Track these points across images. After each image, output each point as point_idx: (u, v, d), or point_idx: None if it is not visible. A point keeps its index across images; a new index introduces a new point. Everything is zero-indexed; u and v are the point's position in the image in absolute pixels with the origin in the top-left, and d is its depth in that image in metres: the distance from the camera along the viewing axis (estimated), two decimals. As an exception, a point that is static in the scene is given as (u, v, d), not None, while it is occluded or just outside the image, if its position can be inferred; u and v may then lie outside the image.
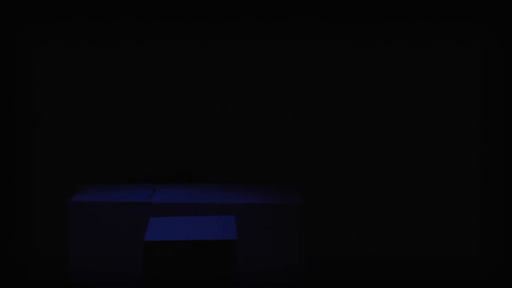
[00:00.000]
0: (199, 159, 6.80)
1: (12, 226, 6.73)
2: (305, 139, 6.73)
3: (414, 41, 6.54)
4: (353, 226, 6.70)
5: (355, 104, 6.67)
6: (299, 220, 6.06)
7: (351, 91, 6.65)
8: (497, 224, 6.52)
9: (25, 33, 6.55)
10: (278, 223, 6.08)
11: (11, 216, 6.72)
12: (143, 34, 6.65)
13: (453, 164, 6.63)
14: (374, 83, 6.60)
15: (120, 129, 6.79)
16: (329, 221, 6.71)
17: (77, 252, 6.16)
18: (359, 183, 6.69)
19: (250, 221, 6.10)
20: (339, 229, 6.71)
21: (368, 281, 6.16)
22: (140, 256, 6.14)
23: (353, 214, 6.69)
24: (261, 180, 6.80)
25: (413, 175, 6.67)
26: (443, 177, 6.65)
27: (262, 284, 6.09)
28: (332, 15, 6.50)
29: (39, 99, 6.70)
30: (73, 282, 6.14)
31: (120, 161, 6.82)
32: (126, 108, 6.78)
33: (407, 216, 6.68)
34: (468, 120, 6.60)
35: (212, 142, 6.78)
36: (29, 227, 6.80)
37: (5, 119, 6.63)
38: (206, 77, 6.74)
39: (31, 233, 6.80)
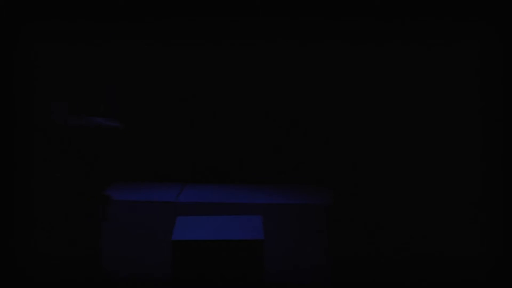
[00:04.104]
0: (228, 159, 6.80)
1: (12, 224, 6.72)
2: (335, 140, 6.73)
3: (414, 39, 6.53)
4: (377, 226, 6.69)
5: (369, 105, 6.67)
6: (327, 220, 6.05)
7: (350, 92, 6.66)
8: (497, 224, 6.49)
9: (28, 30, 6.55)
10: (305, 223, 6.07)
11: (11, 215, 6.71)
12: (149, 33, 6.66)
13: (453, 164, 6.61)
14: (376, 83, 6.60)
15: (147, 128, 6.81)
16: (357, 221, 6.70)
17: (106, 251, 6.19)
18: (370, 181, 6.69)
19: (277, 221, 6.09)
20: (365, 229, 6.70)
21: (370, 281, 6.16)
22: (167, 255, 6.16)
23: (372, 214, 6.68)
24: (291, 180, 6.79)
25: (413, 175, 6.65)
26: (442, 176, 6.62)
27: (289, 285, 6.09)
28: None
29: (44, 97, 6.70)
30: (104, 280, 6.18)
31: (148, 159, 6.84)
32: (152, 107, 6.79)
33: (407, 216, 6.65)
34: (468, 119, 6.57)
35: (240, 142, 6.79)
36: (30, 226, 6.79)
37: (5, 120, 6.61)
38: (242, 79, 6.75)
39: (32, 232, 6.79)
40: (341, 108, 6.73)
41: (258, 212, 6.04)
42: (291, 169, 6.76)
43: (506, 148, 6.45)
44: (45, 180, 6.59)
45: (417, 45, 6.54)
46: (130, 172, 6.85)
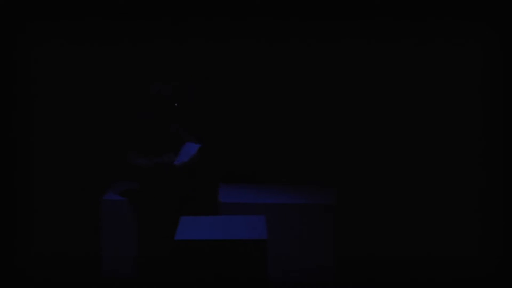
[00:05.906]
0: (231, 159, 6.81)
1: (14, 224, 6.71)
2: (338, 140, 6.74)
3: (416, 40, 6.55)
4: (381, 226, 6.70)
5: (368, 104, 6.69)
6: (331, 220, 6.05)
7: (351, 91, 6.67)
8: (497, 224, 6.51)
9: (28, 30, 6.54)
10: (309, 223, 6.07)
11: (12, 214, 6.69)
12: (147, 34, 6.66)
13: (453, 164, 6.63)
14: (378, 84, 6.62)
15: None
16: (361, 221, 6.70)
17: (108, 250, 6.18)
18: (377, 182, 6.70)
19: (280, 221, 6.09)
20: (368, 229, 6.71)
21: (374, 280, 6.17)
22: (170, 255, 6.15)
23: (380, 214, 6.69)
24: (295, 180, 6.79)
25: (415, 175, 6.67)
26: (442, 177, 6.64)
27: (293, 284, 6.09)
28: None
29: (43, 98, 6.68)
30: (106, 279, 6.17)
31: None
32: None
33: (407, 216, 6.67)
34: (468, 119, 6.59)
35: (243, 142, 6.79)
36: (30, 225, 6.78)
37: (5, 120, 6.60)
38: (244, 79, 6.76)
39: (32, 231, 6.78)
40: (345, 108, 6.74)
41: (262, 212, 6.03)
42: (295, 168, 6.76)
43: (507, 148, 6.47)
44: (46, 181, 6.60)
45: (418, 45, 6.56)
46: (131, 172, 6.84)
